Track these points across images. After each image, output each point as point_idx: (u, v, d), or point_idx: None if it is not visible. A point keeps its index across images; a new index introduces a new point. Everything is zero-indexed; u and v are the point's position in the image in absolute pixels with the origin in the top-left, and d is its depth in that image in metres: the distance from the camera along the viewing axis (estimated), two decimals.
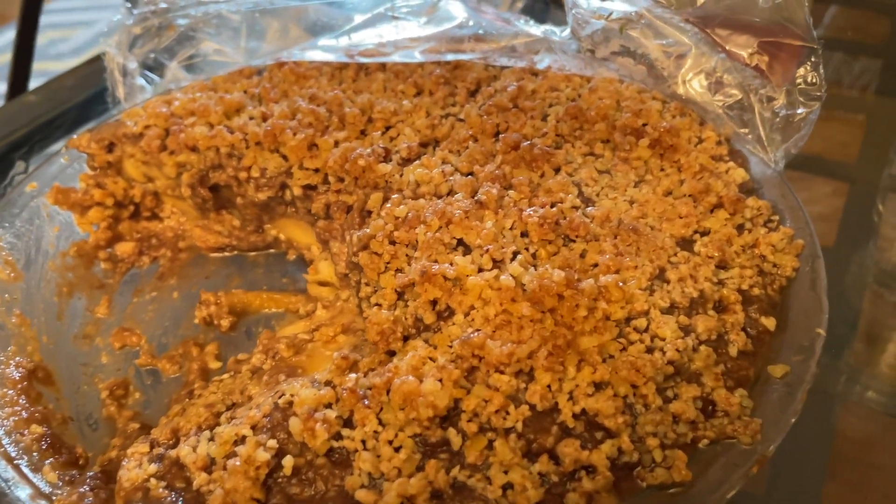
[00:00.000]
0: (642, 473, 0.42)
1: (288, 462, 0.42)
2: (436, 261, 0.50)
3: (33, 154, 0.85)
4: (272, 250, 0.69)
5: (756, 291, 0.50)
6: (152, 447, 0.47)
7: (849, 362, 0.68)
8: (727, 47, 0.60)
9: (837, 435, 0.61)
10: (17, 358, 0.56)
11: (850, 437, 0.62)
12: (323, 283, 0.62)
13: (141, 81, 0.78)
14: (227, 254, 0.69)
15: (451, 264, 0.49)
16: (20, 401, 0.53)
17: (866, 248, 0.77)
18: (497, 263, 0.49)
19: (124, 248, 0.68)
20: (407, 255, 0.52)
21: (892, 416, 0.64)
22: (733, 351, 0.46)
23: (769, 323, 0.48)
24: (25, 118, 0.88)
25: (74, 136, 0.68)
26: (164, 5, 0.78)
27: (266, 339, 0.56)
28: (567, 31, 0.68)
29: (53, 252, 0.66)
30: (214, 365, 0.59)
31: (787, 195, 0.57)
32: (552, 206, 0.53)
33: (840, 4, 1.16)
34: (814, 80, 0.58)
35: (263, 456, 0.41)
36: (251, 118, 0.64)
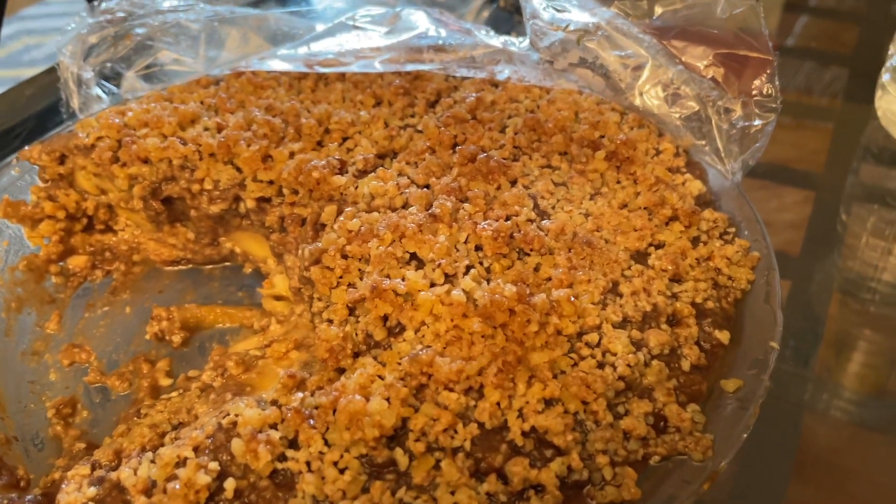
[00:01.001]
0: (592, 492, 0.41)
1: (230, 485, 0.41)
2: (388, 275, 0.49)
3: None
4: (228, 263, 0.68)
5: (710, 304, 0.49)
6: (93, 469, 0.45)
7: (815, 371, 0.68)
8: (683, 59, 0.60)
9: (804, 444, 0.61)
10: None
11: (817, 446, 0.62)
12: (278, 298, 0.61)
13: (98, 91, 0.76)
14: (181, 267, 0.68)
15: (403, 279, 0.48)
16: None
17: (831, 257, 0.77)
18: (449, 278, 0.48)
19: (77, 262, 0.67)
20: (359, 270, 0.51)
21: (859, 425, 0.64)
22: (686, 365, 0.46)
23: (723, 336, 0.48)
24: None
25: (26, 148, 0.66)
26: (121, 14, 0.77)
27: (217, 355, 0.55)
28: (526, 42, 0.68)
29: (2, 267, 0.64)
30: (165, 382, 0.57)
31: (744, 207, 0.57)
32: (507, 220, 0.52)
33: (810, 14, 1.17)
34: (770, 92, 0.58)
35: (204, 479, 0.40)
36: (206, 129, 0.63)
